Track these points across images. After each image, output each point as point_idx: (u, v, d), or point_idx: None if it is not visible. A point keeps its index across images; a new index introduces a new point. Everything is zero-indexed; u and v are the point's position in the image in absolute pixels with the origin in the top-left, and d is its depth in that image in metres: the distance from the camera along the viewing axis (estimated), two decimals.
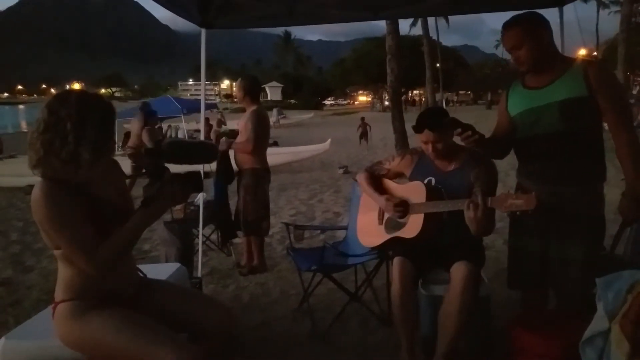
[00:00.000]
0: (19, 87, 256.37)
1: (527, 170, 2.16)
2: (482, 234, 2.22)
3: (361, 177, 2.59)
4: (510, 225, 2.24)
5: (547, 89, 2.02)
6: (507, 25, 2.02)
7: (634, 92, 31.06)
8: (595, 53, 36.39)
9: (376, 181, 2.55)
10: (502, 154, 2.31)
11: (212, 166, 3.84)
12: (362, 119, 14.82)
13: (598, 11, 41.78)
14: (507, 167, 2.31)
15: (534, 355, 1.95)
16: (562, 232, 2.05)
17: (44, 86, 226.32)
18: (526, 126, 2.11)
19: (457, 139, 2.17)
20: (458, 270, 2.14)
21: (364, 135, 14.51)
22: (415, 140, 2.37)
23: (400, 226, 2.34)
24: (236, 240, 4.58)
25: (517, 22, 2.01)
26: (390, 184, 2.54)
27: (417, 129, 2.27)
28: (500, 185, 2.33)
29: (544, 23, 2.01)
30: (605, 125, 2.02)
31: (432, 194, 2.26)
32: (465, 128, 2.00)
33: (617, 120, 1.97)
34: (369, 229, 2.56)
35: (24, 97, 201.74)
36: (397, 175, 2.55)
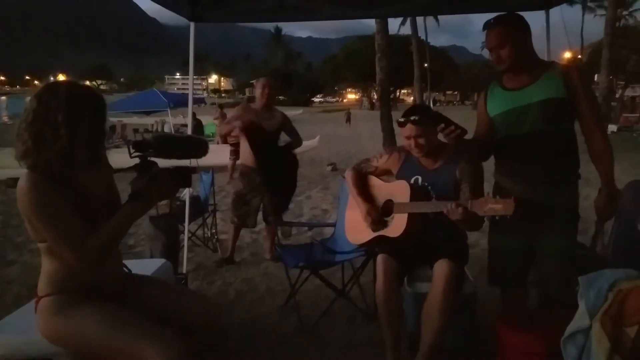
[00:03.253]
0: (1, 77, 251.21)
1: (506, 170, 2.18)
2: (472, 230, 2.27)
3: (349, 175, 2.59)
4: (491, 223, 2.26)
5: (526, 89, 2.06)
6: (490, 25, 2.06)
7: (617, 95, 31.64)
8: (579, 56, 36.94)
9: (363, 179, 2.56)
10: (485, 156, 2.33)
11: (199, 161, 3.81)
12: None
13: (583, 15, 42.40)
14: (487, 172, 2.33)
15: (517, 352, 1.99)
16: (543, 229, 2.09)
17: (27, 77, 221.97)
18: (507, 126, 2.14)
19: (441, 137, 2.19)
20: (440, 268, 2.17)
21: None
22: (403, 139, 2.37)
23: (385, 225, 2.35)
24: (222, 236, 4.57)
25: (500, 22, 2.05)
26: (376, 182, 2.54)
27: (400, 123, 2.30)
28: (486, 184, 2.35)
29: (526, 25, 2.06)
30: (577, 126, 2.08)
31: (417, 193, 2.27)
32: (447, 123, 2.03)
33: (592, 121, 2.04)
34: (356, 227, 2.56)
35: (7, 88, 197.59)
36: (385, 173, 2.55)
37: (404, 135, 2.31)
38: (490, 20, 2.06)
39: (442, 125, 2.03)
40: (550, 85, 2.01)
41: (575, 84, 1.99)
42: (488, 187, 2.24)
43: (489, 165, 2.34)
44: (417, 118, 2.22)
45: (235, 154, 7.90)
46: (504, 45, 2.02)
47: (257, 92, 3.92)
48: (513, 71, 2.08)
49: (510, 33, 2.01)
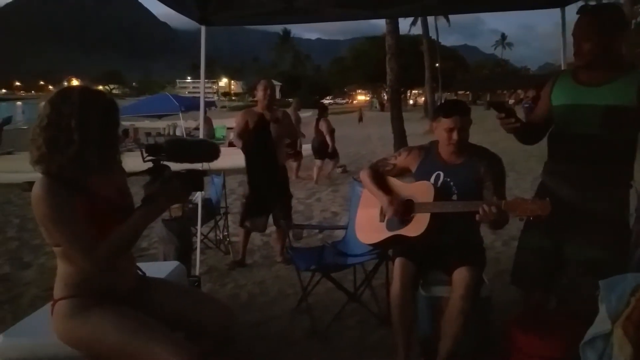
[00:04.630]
0: (17, 83, 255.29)
1: (555, 168, 2.11)
2: (496, 229, 2.25)
3: (364, 174, 2.55)
4: (526, 223, 2.19)
5: (596, 89, 1.94)
6: (587, 12, 1.92)
7: None
8: None
9: (380, 179, 2.52)
10: (533, 140, 2.23)
11: (211, 165, 3.83)
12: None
13: None
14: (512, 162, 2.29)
15: (533, 356, 1.95)
16: (581, 235, 2.00)
17: (41, 82, 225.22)
18: (565, 122, 2.05)
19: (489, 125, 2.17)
20: (460, 276, 2.14)
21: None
22: (414, 141, 2.36)
23: (403, 224, 2.32)
24: (233, 239, 4.58)
25: (599, 12, 1.90)
26: (395, 182, 2.51)
27: (447, 112, 2.27)
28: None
29: (623, 21, 1.92)
30: None
31: (441, 193, 2.25)
32: (509, 113, 1.97)
33: None
34: (369, 226, 2.54)
35: (22, 93, 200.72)
36: (402, 172, 2.52)
37: (446, 127, 2.27)
38: (586, 5, 1.93)
39: (503, 114, 1.98)
40: (622, 90, 1.89)
41: None
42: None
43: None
44: (462, 111, 2.25)
45: (294, 155, 8.28)
46: (590, 39, 1.87)
47: (259, 94, 3.94)
48: (590, 67, 1.95)
49: (600, 27, 1.84)
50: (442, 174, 2.34)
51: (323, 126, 8.47)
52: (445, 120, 2.27)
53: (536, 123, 2.18)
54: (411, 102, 58.59)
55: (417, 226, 2.25)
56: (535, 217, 1.83)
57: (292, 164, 8.13)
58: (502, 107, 2.02)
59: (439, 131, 2.32)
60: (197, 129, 12.74)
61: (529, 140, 2.23)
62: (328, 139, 8.38)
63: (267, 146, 3.71)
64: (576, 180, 2.00)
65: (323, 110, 9.06)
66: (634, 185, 2.02)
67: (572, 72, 2.07)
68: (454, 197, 2.29)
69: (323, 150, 8.50)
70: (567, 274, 2.09)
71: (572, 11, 2.67)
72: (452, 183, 2.31)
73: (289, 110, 8.75)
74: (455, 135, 2.26)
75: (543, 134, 2.19)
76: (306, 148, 8.37)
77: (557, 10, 3.14)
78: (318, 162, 8.49)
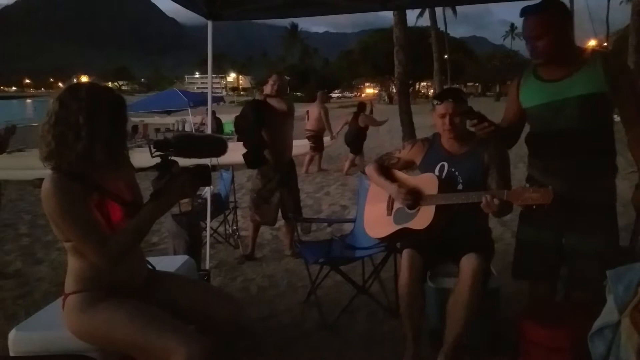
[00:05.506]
0: (27, 80, 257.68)
1: (542, 164, 2.12)
2: (501, 216, 2.22)
3: (370, 168, 2.57)
4: (521, 216, 2.22)
5: (564, 82, 1.96)
6: (531, 12, 1.92)
7: None
8: (605, 43, 35.88)
9: (386, 172, 2.53)
10: (509, 145, 2.28)
11: (219, 159, 3.86)
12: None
13: (609, 0, 41.10)
14: (514, 158, 2.28)
15: (542, 347, 1.95)
16: (578, 226, 2.02)
17: (51, 80, 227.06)
18: (542, 121, 2.06)
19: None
20: (468, 263, 2.13)
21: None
22: (423, 133, 2.36)
23: (410, 217, 2.32)
24: (243, 233, 4.61)
25: (542, 10, 1.91)
26: (400, 175, 2.51)
27: (440, 97, 2.28)
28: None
29: (568, 12, 1.95)
30: (616, 117, 2.00)
31: (445, 185, 2.25)
32: (481, 119, 1.99)
33: (635, 114, 1.94)
34: (377, 220, 2.55)
35: (32, 90, 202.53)
36: (407, 165, 2.52)
37: (439, 114, 2.27)
38: (528, 6, 1.93)
39: (475, 120, 1.99)
40: (590, 78, 1.90)
41: (617, 76, 1.89)
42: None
43: (513, 153, 2.30)
44: (454, 96, 2.23)
45: (315, 150, 8.73)
46: (544, 36, 1.89)
47: (268, 88, 3.95)
48: (551, 62, 1.97)
49: (551, 22, 1.88)
50: (446, 165, 2.34)
51: (367, 120, 8.70)
52: (438, 106, 2.28)
53: (508, 128, 2.20)
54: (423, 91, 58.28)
55: (423, 219, 2.25)
56: (538, 206, 1.82)
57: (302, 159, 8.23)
58: (473, 113, 2.03)
59: (436, 119, 2.32)
60: (204, 123, 12.80)
61: (504, 144, 2.27)
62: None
63: (259, 119, 3.75)
64: (562, 174, 2.01)
65: (363, 106, 9.28)
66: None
67: (533, 73, 2.07)
68: (460, 186, 2.29)
69: (358, 144, 8.67)
70: (569, 265, 2.10)
71: (580, 0, 2.61)
72: (456, 173, 2.31)
73: (315, 104, 8.84)
74: (447, 121, 2.24)
75: (517, 137, 2.23)
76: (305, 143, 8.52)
77: (567, 0, 3.10)
78: (352, 155, 8.67)
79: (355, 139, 8.68)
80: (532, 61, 2.04)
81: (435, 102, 2.32)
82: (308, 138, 8.69)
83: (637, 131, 1.94)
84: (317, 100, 8.91)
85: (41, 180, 1.56)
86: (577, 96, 1.93)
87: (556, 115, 1.99)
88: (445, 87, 30.17)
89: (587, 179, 2.00)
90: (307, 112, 9.18)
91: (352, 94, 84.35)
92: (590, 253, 2.00)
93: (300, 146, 8.29)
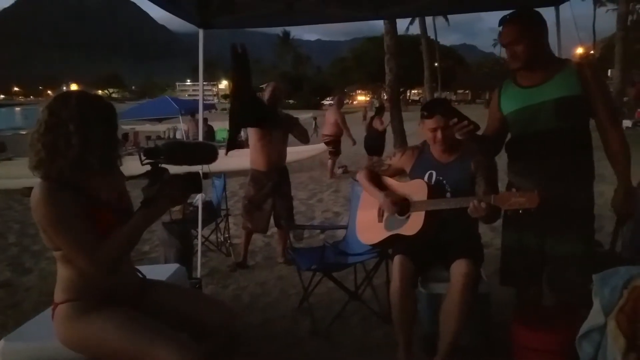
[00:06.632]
0: (16, 88, 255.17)
1: (519, 167, 2.17)
2: (489, 222, 2.27)
3: (361, 175, 2.61)
4: (504, 222, 2.25)
5: (541, 87, 2.04)
6: (506, 21, 2.04)
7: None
8: (592, 52, 36.42)
9: (377, 179, 2.56)
10: (494, 152, 2.32)
11: (211, 167, 3.85)
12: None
13: (595, 9, 41.81)
14: (505, 165, 2.31)
15: (532, 350, 1.97)
16: (558, 229, 2.07)
17: (41, 87, 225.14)
18: (520, 124, 2.12)
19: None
20: (458, 268, 2.16)
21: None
22: (415, 140, 2.38)
23: (401, 224, 2.34)
24: (235, 240, 4.59)
25: (517, 18, 2.02)
26: (391, 182, 2.54)
27: (429, 112, 2.30)
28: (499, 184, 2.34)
29: (542, 21, 2.03)
30: (592, 123, 2.06)
31: (434, 191, 2.27)
32: (461, 118, 2.03)
33: (608, 118, 2.01)
34: (368, 227, 2.56)
35: (21, 98, 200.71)
36: (398, 172, 2.56)
37: (429, 127, 2.32)
38: (506, 15, 2.04)
39: (455, 119, 2.03)
40: (565, 83, 1.99)
41: (589, 82, 1.97)
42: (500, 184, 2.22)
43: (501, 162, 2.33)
44: (444, 110, 2.26)
45: (333, 154, 8.83)
46: (520, 42, 1.99)
47: (266, 95, 3.96)
48: (528, 69, 2.05)
49: (526, 29, 1.99)
50: (434, 173, 2.37)
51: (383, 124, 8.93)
52: (427, 120, 2.32)
53: (491, 137, 2.25)
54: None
55: (413, 225, 2.27)
56: (524, 210, 1.85)
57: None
58: (454, 111, 2.10)
59: (425, 131, 2.36)
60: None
61: (489, 152, 2.31)
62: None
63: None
64: (541, 175, 2.06)
65: (381, 110, 9.47)
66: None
67: (512, 80, 2.16)
68: (448, 194, 2.32)
69: (377, 148, 8.81)
70: (553, 269, 2.13)
71: (566, 10, 2.69)
72: (444, 181, 2.35)
73: (332, 109, 8.99)
74: (439, 135, 2.29)
75: (500, 145, 2.27)
76: (305, 149, 8.47)
77: (552, 9, 3.16)
78: (371, 158, 8.73)
79: (376, 142, 8.85)
80: (510, 67, 2.10)
81: (424, 112, 2.35)
82: (327, 143, 8.77)
83: (612, 136, 2.01)
84: (334, 106, 9.12)
85: (30, 189, 1.55)
86: (553, 99, 2.00)
87: (533, 118, 2.06)
88: (435, 94, 30.44)
89: (564, 181, 2.04)
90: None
91: (345, 101, 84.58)
92: (569, 256, 2.05)
93: (308, 150, 8.53)
